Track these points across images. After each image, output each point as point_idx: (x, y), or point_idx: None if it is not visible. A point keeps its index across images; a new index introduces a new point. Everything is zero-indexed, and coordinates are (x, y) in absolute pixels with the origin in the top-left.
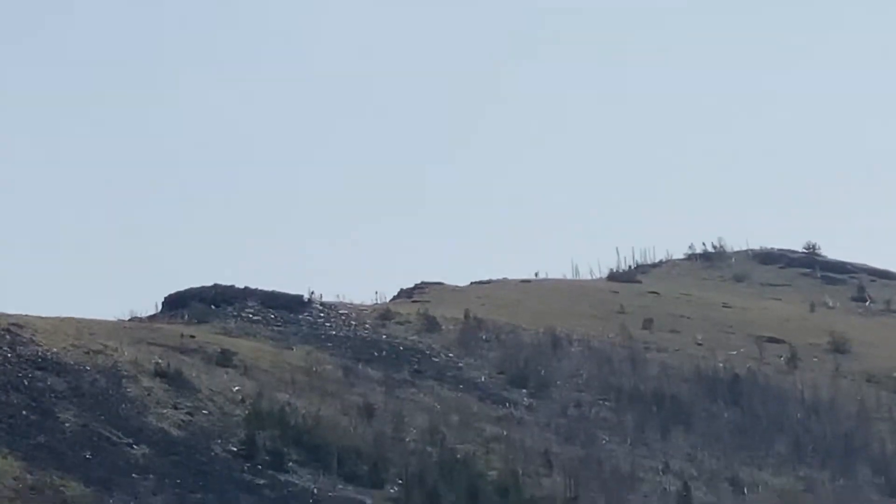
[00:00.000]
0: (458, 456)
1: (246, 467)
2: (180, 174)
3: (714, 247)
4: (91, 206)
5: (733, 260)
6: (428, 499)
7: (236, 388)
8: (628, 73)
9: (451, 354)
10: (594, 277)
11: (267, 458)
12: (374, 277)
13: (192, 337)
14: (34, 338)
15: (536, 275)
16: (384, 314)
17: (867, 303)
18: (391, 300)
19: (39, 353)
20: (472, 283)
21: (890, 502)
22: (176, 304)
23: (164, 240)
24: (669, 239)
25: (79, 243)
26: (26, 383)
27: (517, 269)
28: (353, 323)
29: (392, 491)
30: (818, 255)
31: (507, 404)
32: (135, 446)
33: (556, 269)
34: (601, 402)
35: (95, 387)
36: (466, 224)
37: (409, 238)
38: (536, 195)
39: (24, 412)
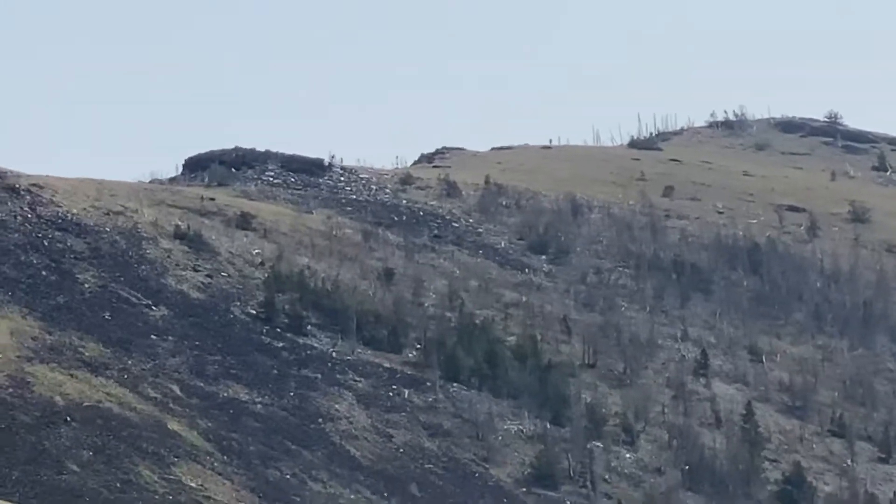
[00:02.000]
0: (477, 321)
1: (265, 330)
2: (203, 35)
3: (735, 115)
4: (112, 67)
5: (754, 128)
6: (446, 364)
7: (256, 251)
8: None
9: (470, 220)
10: (615, 144)
11: (286, 321)
12: (395, 142)
13: (212, 199)
14: (54, 198)
15: (551, 141)
16: (405, 179)
17: (888, 172)
18: (412, 165)
19: (59, 214)
20: (492, 148)
21: None
22: (196, 166)
23: (185, 101)
24: (691, 106)
25: (100, 104)
26: (46, 244)
27: (538, 135)
28: (374, 187)
29: (411, 355)
30: (840, 123)
31: (527, 270)
32: (154, 308)
33: (577, 135)
34: (621, 268)
35: (115, 248)
36: (488, 89)
37: (431, 103)
38: (558, 60)
39: (43, 272)
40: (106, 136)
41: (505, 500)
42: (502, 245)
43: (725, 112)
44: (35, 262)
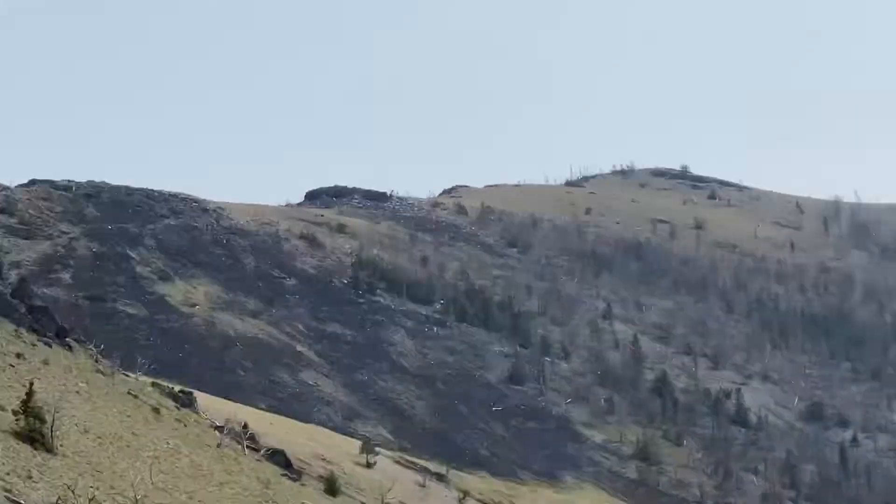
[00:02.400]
0: (476, 287)
1: (353, 292)
2: (319, 106)
3: (627, 167)
4: (266, 121)
5: (638, 174)
6: (458, 312)
7: (347, 246)
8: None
9: (473, 227)
10: (557, 183)
11: (365, 287)
12: (428, 180)
13: (322, 216)
14: (229, 215)
15: (520, 182)
16: (434, 203)
17: (716, 199)
18: (439, 195)
19: (232, 225)
20: (486, 185)
21: None
22: (313, 196)
23: (308, 152)
24: (600, 159)
25: (259, 152)
26: (225, 242)
27: (513, 177)
28: (416, 208)
29: (437, 307)
30: (688, 171)
31: (505, 257)
32: (288, 279)
33: (537, 177)
34: (562, 257)
35: (265, 244)
36: (484, 149)
37: (451, 154)
38: (529, 135)
39: (223, 259)
40: (261, 176)
41: (492, 392)
42: (491, 242)
43: (622, 165)
44: (218, 252)
